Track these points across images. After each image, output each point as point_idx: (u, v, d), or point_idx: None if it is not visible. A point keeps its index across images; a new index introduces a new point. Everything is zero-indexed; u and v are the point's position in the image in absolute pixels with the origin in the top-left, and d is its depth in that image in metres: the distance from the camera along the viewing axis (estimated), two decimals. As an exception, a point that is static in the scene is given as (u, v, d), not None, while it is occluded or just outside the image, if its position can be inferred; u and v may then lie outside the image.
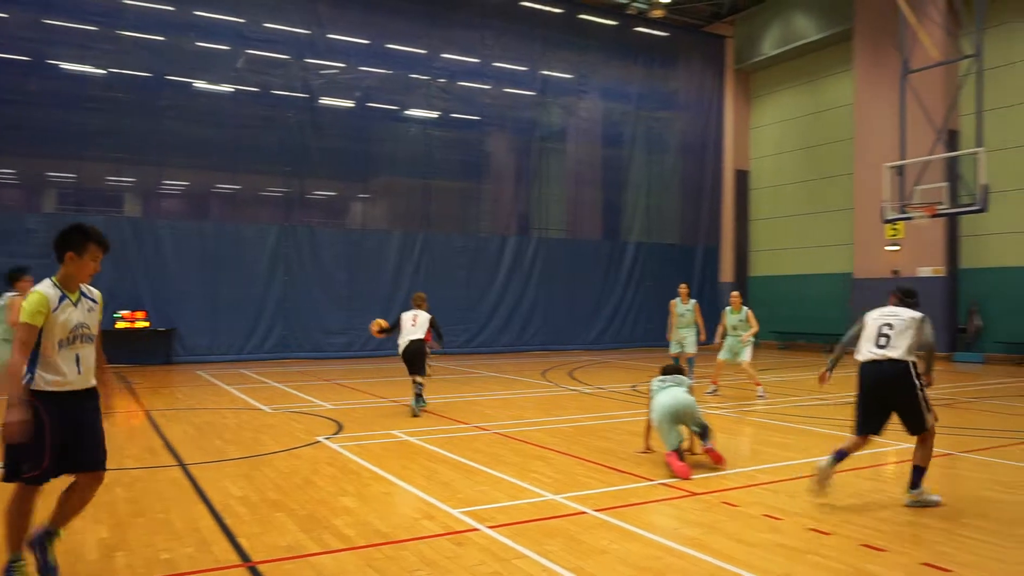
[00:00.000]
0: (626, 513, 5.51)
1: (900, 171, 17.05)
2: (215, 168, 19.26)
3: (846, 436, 6.12)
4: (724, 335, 12.74)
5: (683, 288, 13.99)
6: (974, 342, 19.88)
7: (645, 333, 24.67)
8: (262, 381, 14.32)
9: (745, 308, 12.57)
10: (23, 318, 3.84)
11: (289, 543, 4.81)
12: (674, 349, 13.56)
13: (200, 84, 18.99)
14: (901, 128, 17.35)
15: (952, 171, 17.66)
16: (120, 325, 17.07)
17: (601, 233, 24.79)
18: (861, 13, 22.17)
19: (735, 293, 12.97)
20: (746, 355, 12.35)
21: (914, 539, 4.95)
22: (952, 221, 19.99)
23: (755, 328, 12.44)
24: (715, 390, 12.67)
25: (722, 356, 12.63)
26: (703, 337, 13.52)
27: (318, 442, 8.27)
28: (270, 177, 20.09)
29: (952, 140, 19.51)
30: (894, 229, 20.88)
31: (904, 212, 16.73)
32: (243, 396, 12.17)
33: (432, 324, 10.50)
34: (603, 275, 24.26)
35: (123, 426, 9.34)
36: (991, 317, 19.73)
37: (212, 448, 7.94)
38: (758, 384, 12.35)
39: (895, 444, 8.28)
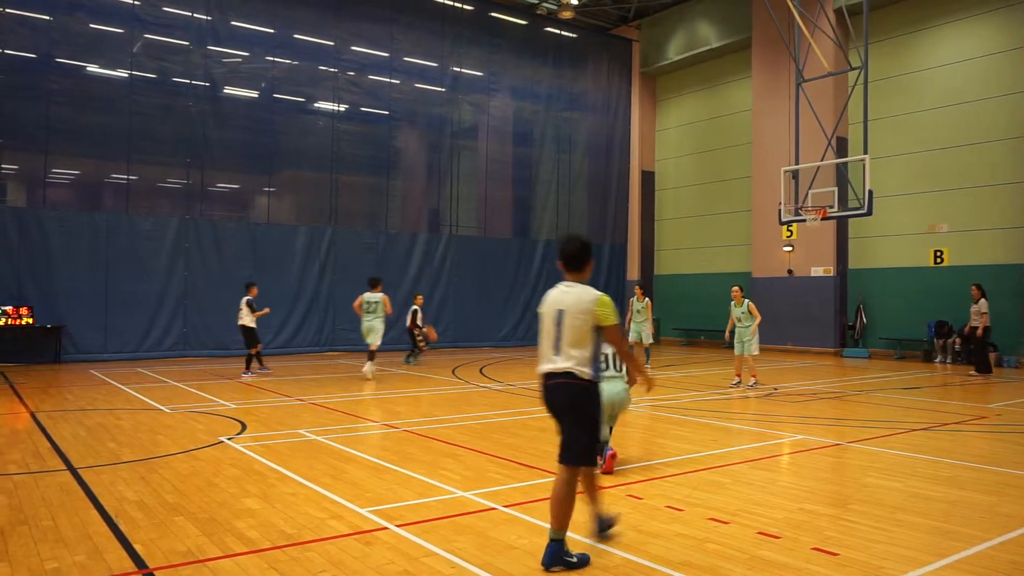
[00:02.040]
0: (535, 508, 5.57)
1: (795, 175, 17.86)
2: (108, 157, 18.27)
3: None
4: (732, 330, 13.49)
5: (638, 289, 17.13)
6: (861, 338, 21.08)
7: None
8: (161, 380, 13.73)
9: (746, 301, 13.33)
10: (617, 319, 4.59)
11: (188, 548, 4.64)
12: (632, 339, 16.08)
13: (93, 68, 18.02)
14: (795, 134, 18.19)
15: (841, 176, 18.68)
16: (0, 322, 16.05)
17: (511, 230, 24.95)
18: (758, 23, 23.11)
19: (736, 288, 13.58)
20: (752, 347, 13.06)
21: (805, 525, 5.21)
22: (842, 224, 21.14)
23: (758, 318, 13.12)
24: (738, 383, 13.22)
25: (737, 351, 13.30)
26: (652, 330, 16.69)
27: (220, 442, 8.01)
28: (169, 168, 19.23)
29: (841, 147, 20.60)
30: (789, 231, 21.92)
31: (798, 214, 17.52)
32: (140, 396, 11.64)
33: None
34: (513, 272, 24.43)
35: (5, 429, 8.78)
36: (875, 315, 20.98)
37: (105, 451, 7.56)
38: (754, 376, 13.21)
39: (790, 436, 8.70)
